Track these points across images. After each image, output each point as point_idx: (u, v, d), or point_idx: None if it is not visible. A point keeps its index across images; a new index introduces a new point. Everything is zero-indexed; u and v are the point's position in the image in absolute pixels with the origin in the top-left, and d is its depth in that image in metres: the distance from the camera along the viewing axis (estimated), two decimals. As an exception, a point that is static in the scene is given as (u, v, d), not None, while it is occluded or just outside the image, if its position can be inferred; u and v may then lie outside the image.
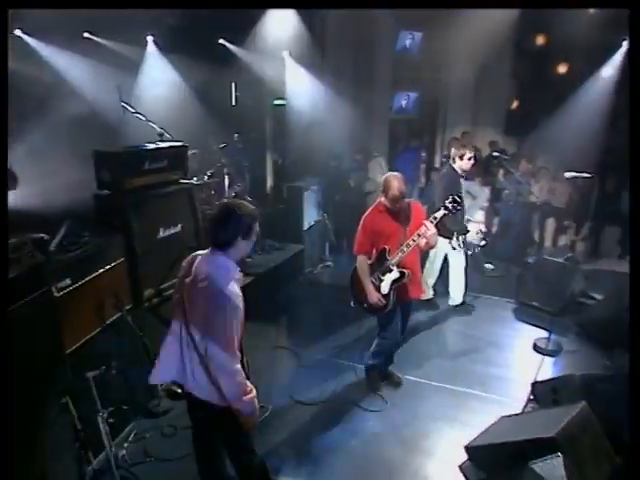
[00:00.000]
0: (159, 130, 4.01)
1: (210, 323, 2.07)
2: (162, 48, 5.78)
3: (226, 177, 5.03)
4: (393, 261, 3.45)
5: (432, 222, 3.29)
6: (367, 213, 3.62)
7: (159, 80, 5.66)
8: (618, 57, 7.70)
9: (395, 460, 3.23)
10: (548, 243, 7.31)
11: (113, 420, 3.00)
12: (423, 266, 4.71)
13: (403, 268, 3.46)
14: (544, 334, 4.58)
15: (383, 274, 3.50)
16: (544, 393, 3.58)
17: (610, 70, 7.85)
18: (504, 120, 8.83)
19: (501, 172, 7.33)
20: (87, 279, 3.12)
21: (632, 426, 1.48)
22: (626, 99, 7.93)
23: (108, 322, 3.30)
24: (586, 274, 5.54)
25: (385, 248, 3.49)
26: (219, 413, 2.23)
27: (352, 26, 6.89)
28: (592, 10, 8.49)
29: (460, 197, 3.35)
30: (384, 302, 3.50)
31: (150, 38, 5.80)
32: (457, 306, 5.24)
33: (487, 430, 3.22)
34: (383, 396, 3.81)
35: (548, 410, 3.15)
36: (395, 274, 3.46)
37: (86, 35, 5.28)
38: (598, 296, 5.29)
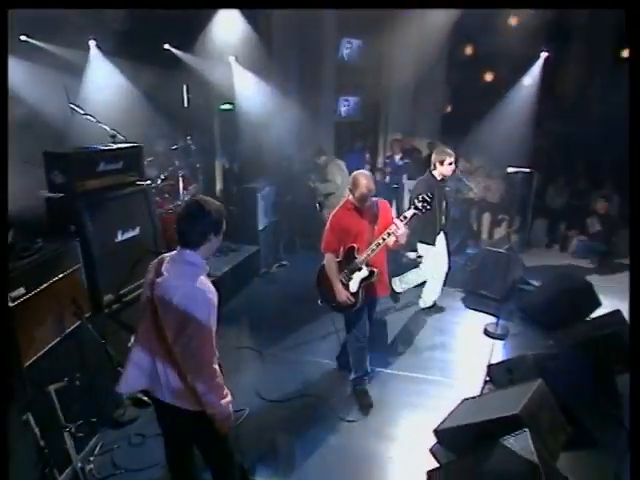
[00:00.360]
0: (111, 132, 3.88)
1: (186, 320, 2.01)
2: (106, 52, 5.58)
3: (180, 179, 4.92)
4: (362, 259, 3.44)
5: (402, 221, 3.28)
6: (335, 211, 3.63)
7: (105, 84, 5.44)
8: (537, 67, 8.41)
9: (368, 449, 3.33)
10: (485, 236, 7.86)
11: (81, 434, 2.87)
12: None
13: (372, 267, 3.47)
14: (493, 320, 4.91)
15: (352, 272, 3.49)
16: (499, 374, 3.82)
17: (530, 79, 8.56)
18: (440, 123, 9.34)
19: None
20: (43, 287, 2.95)
21: (632, 425, 1.58)
22: (546, 104, 8.63)
23: (68, 331, 3.14)
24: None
25: (353, 246, 3.48)
26: (194, 418, 2.18)
27: (297, 30, 7.00)
28: (514, 22, 9.24)
29: (431, 197, 3.29)
30: (353, 300, 3.49)
31: (92, 42, 5.58)
32: (427, 308, 5.30)
33: (452, 413, 3.38)
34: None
35: (507, 390, 3.33)
36: (364, 272, 3.46)
37: (23, 38, 4.99)
38: (536, 282, 5.74)
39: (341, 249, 3.56)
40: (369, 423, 3.58)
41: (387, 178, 8.61)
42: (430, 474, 2.80)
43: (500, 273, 5.45)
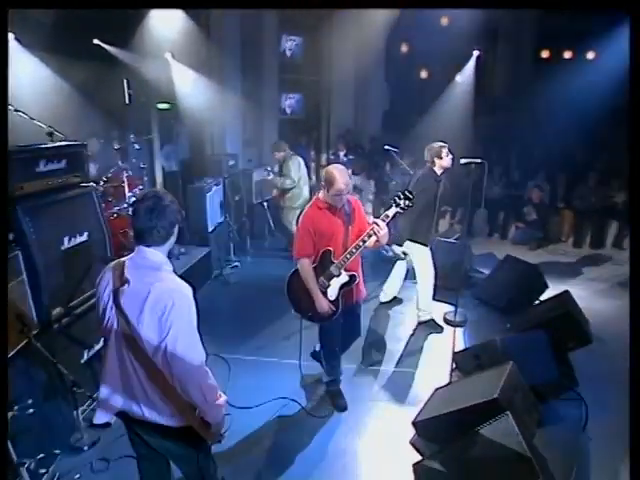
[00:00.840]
0: (47, 129, 3.52)
1: (166, 325, 1.84)
2: (28, 45, 5.07)
3: (125, 180, 4.58)
4: (339, 264, 3.15)
5: (384, 220, 3.01)
6: (306, 211, 3.29)
7: (30, 78, 4.94)
8: (470, 65, 8.82)
9: (346, 446, 3.27)
10: (442, 229, 8.10)
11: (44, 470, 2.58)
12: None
13: (350, 271, 3.21)
14: (451, 308, 5.03)
15: (329, 279, 3.19)
16: (466, 361, 3.90)
17: (464, 76, 8.96)
18: (381, 119, 9.52)
19: (388, 165, 7.86)
20: (-20, 304, 2.61)
21: (632, 424, 1.60)
22: (481, 100, 9.03)
23: (13, 352, 2.80)
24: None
25: (329, 250, 3.17)
26: (177, 434, 2.02)
27: (237, 25, 6.81)
28: (446, 21, 9.61)
29: (412, 193, 3.03)
30: (334, 309, 3.22)
31: (11, 35, 5.05)
32: (387, 302, 5.34)
33: (427, 404, 3.39)
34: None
35: (478, 375, 3.36)
36: (344, 278, 3.19)
37: None
38: (485, 270, 5.98)
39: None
40: (344, 419, 3.53)
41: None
42: (416, 467, 2.78)
43: (453, 262, 5.61)
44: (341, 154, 8.69)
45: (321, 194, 3.24)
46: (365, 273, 3.58)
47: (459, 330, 4.80)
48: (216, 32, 6.60)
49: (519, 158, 8.70)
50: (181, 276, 5.13)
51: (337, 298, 3.23)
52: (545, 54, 10.57)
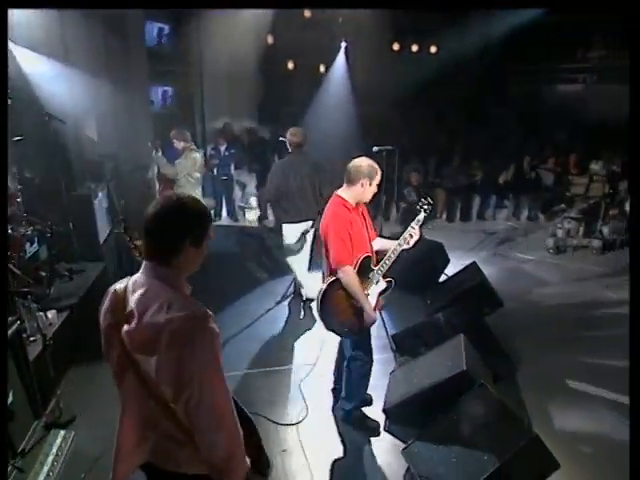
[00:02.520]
0: None
1: (186, 365, 1.42)
2: None
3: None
4: (380, 270, 2.95)
5: (415, 227, 2.94)
6: (336, 212, 2.90)
7: None
8: (341, 56, 9.16)
9: (319, 447, 3.19)
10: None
11: None
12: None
13: (387, 277, 3.03)
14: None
15: (368, 287, 2.96)
16: (407, 341, 4.07)
17: (336, 66, 9.28)
18: (257, 111, 9.36)
19: (276, 157, 7.77)
20: None
21: (632, 423, 1.68)
22: (353, 89, 9.43)
23: None
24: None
25: (369, 256, 2.93)
26: None
27: (97, 15, 5.98)
28: (308, 14, 9.78)
29: (432, 197, 3.14)
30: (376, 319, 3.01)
31: None
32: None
33: (389, 389, 3.48)
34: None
35: (433, 352, 3.51)
36: (382, 285, 3.01)
37: None
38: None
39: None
40: (309, 424, 3.43)
41: (215, 170, 8.25)
42: (406, 451, 2.82)
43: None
44: (222, 148, 8.32)
45: (345, 192, 2.93)
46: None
47: (385, 314, 4.97)
48: (70, 17, 5.68)
49: (393, 143, 9.32)
50: (83, 298, 4.42)
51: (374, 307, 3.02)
52: (396, 47, 11.52)
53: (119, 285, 1.59)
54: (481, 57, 9.26)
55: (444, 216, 8.57)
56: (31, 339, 3.41)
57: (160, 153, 5.42)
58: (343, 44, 9.11)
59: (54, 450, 2.98)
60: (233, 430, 1.53)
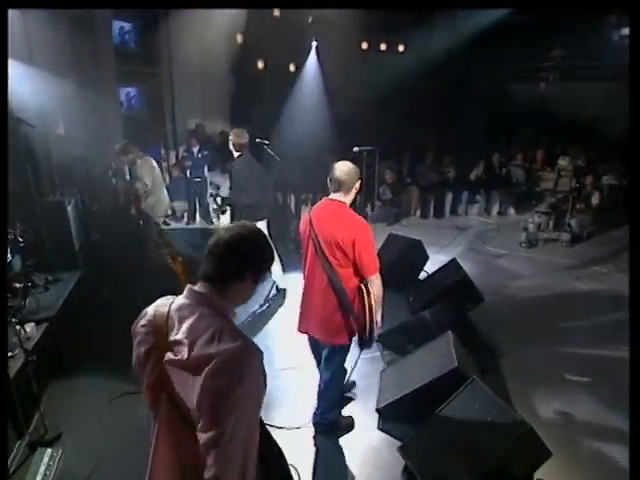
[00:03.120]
0: None
1: (233, 394, 1.33)
2: None
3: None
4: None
5: None
6: (362, 220, 2.88)
7: None
8: (312, 55, 9.14)
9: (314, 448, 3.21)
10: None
11: None
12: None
13: None
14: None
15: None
16: (395, 339, 4.12)
17: (308, 65, 9.26)
18: (230, 111, 9.23)
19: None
20: None
21: (633, 423, 1.72)
22: (327, 88, 9.43)
23: None
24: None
25: None
26: None
27: (63, 14, 5.77)
28: (277, 13, 9.72)
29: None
30: None
31: None
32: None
33: (381, 388, 3.51)
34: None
35: (422, 350, 3.57)
36: None
37: None
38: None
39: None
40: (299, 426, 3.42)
41: (188, 172, 8.12)
42: (403, 449, 2.86)
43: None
44: (195, 150, 8.19)
45: (344, 198, 2.88)
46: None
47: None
48: (36, 14, 5.46)
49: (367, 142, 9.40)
50: (62, 309, 4.24)
51: None
52: (364, 45, 11.60)
53: (160, 309, 1.50)
54: (449, 56, 9.42)
55: (418, 213, 8.71)
56: (9, 354, 3.27)
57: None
58: (314, 43, 9.09)
59: (42, 469, 2.87)
60: (250, 465, 1.40)
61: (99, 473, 2.87)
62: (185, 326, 1.41)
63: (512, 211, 8.68)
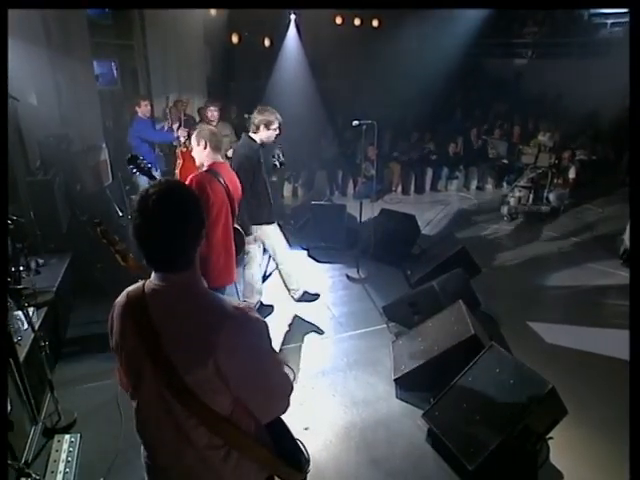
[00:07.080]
0: None
1: (252, 357, 1.36)
2: None
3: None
4: None
5: None
6: None
7: None
8: (292, 29, 8.91)
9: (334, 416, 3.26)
10: (287, 193, 8.27)
11: None
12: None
13: None
14: (347, 268, 5.27)
15: None
16: (401, 310, 4.19)
17: (289, 39, 9.04)
18: (206, 87, 8.92)
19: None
20: None
21: (632, 421, 1.71)
22: (308, 62, 9.20)
23: None
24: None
25: None
26: None
27: None
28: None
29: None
30: None
31: None
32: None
33: (395, 359, 3.58)
34: None
35: (434, 319, 3.62)
36: None
37: None
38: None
39: None
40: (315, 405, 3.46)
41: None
42: (427, 416, 2.95)
43: (334, 222, 5.85)
44: (175, 127, 7.89)
45: None
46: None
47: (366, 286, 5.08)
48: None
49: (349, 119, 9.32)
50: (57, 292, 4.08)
51: None
52: (339, 20, 11.38)
53: (134, 302, 1.36)
54: (424, 33, 9.43)
55: (399, 189, 8.78)
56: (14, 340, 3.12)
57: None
58: (292, 16, 8.85)
59: (63, 456, 2.79)
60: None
61: (124, 455, 2.82)
62: (172, 319, 1.31)
63: (489, 186, 8.90)
